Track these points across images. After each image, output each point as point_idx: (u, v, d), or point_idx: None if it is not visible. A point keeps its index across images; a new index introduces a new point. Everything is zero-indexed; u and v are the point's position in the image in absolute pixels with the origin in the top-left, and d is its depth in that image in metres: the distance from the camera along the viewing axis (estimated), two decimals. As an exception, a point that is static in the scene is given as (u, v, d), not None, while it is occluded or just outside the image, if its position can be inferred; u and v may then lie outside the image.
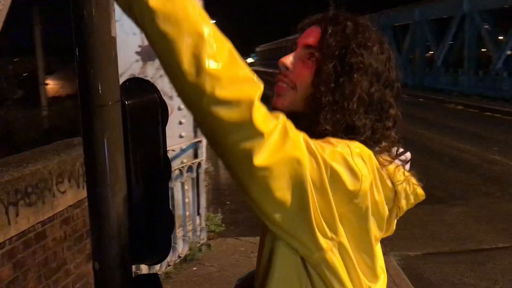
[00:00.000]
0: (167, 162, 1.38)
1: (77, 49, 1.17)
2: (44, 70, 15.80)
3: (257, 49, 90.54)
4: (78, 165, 2.75)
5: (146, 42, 4.79)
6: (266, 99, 0.95)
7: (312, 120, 1.03)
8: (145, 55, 4.56)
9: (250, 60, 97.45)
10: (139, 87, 1.46)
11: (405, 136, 1.15)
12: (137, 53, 4.58)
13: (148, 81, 1.50)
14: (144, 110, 1.37)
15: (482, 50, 23.40)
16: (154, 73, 4.55)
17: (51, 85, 26.03)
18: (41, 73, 15.28)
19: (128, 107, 1.30)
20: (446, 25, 23.82)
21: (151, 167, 1.33)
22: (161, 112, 1.39)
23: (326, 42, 1.07)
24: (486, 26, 21.09)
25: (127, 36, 4.31)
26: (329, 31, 1.08)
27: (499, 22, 21.66)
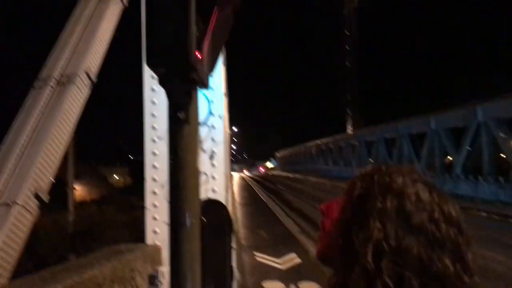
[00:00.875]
0: (232, 270, 1.65)
1: (170, 185, 1.55)
2: (74, 174, 16.32)
3: (277, 154, 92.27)
4: (127, 271, 2.99)
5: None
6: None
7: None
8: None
9: (270, 165, 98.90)
10: (211, 205, 1.80)
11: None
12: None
13: (217, 200, 1.86)
14: (215, 226, 1.67)
15: (502, 155, 23.65)
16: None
17: (78, 190, 26.61)
18: (70, 178, 15.78)
19: (204, 224, 1.61)
20: (462, 133, 24.41)
21: (220, 273, 1.60)
22: (228, 227, 1.70)
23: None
24: (502, 134, 21.57)
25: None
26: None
27: (514, 130, 22.18)
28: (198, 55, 1.57)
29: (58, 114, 4.56)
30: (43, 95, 4.76)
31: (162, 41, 1.59)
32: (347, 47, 58.59)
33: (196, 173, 1.84)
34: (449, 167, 27.02)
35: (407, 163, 30.76)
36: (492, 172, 22.29)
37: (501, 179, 21.50)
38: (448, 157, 26.82)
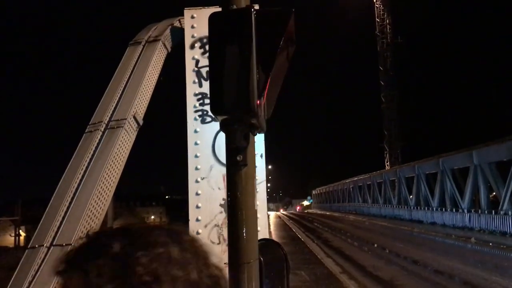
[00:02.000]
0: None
1: (229, 226, 1.62)
2: (113, 216, 16.81)
3: (314, 192, 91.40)
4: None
5: (228, 196, 5.33)
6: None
7: None
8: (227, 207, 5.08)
9: (306, 203, 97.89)
10: (267, 245, 1.85)
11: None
12: (221, 205, 5.08)
13: (274, 241, 1.92)
14: (273, 266, 1.71)
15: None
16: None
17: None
18: (110, 219, 16.22)
19: (264, 263, 1.65)
20: (508, 167, 23.56)
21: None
22: (286, 266, 1.73)
23: None
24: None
25: (213, 191, 4.87)
26: None
27: None
28: (258, 102, 1.66)
29: (108, 157, 4.78)
30: (94, 139, 5.01)
31: (226, 88, 1.70)
32: (381, 82, 58.43)
33: (254, 213, 1.90)
34: (495, 203, 25.97)
35: (450, 199, 29.83)
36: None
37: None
38: (493, 193, 25.79)
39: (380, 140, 58.91)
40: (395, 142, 57.19)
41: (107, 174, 4.35)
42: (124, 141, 4.63)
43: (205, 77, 5.73)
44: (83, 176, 4.41)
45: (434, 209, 32.35)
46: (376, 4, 59.89)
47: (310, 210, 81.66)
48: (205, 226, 4.91)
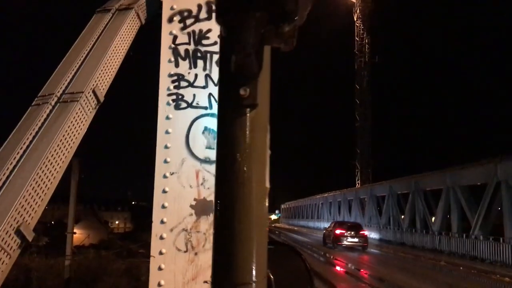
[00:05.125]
0: None
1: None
2: (74, 219, 15.87)
3: (282, 206, 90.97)
4: None
5: (202, 195, 4.44)
6: None
7: None
8: (199, 209, 4.20)
9: (274, 217, 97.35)
10: (280, 254, 1.08)
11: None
12: (191, 206, 4.21)
13: (290, 246, 1.14)
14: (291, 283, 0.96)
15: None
16: (208, 228, 4.13)
17: (77, 234, 26.02)
18: (70, 222, 15.27)
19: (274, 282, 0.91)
20: (481, 191, 23.43)
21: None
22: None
23: None
24: (524, 195, 20.59)
25: (183, 189, 4.01)
26: None
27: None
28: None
29: (54, 136, 3.83)
30: (41, 114, 4.05)
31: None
32: (357, 100, 58.55)
33: (264, 195, 1.10)
34: (467, 227, 25.77)
35: (421, 221, 29.59)
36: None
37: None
38: (466, 217, 25.59)
39: (352, 158, 58.93)
40: (367, 160, 57.26)
41: (52, 155, 3.44)
42: (79, 118, 3.73)
43: (183, 55, 4.91)
44: (21, 157, 3.47)
45: (404, 229, 32.09)
46: (356, 23, 60.36)
47: (277, 224, 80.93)
48: (171, 230, 4.03)
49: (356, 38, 60.21)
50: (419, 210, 30.13)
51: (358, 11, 59.73)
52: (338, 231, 27.44)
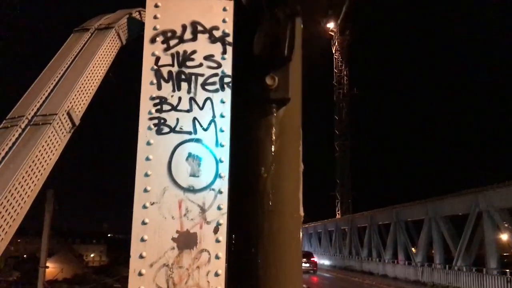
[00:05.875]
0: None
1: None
2: (46, 252, 15.22)
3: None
4: None
5: (185, 227, 4.10)
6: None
7: None
8: (182, 243, 3.86)
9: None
10: None
11: None
12: (173, 239, 3.86)
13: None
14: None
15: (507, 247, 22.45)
16: (191, 263, 3.79)
17: (50, 268, 25.03)
18: (43, 256, 14.58)
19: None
20: (463, 221, 23.37)
21: None
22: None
23: None
24: (506, 224, 20.54)
25: (164, 220, 3.68)
26: None
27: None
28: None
29: (23, 161, 3.45)
30: (9, 137, 3.66)
31: None
32: (336, 131, 58.87)
33: (298, 221, 0.78)
34: (449, 258, 25.58)
35: (403, 251, 29.32)
36: (497, 266, 20.92)
37: (508, 272, 20.12)
38: (448, 247, 25.43)
39: (332, 189, 58.78)
40: (347, 191, 57.17)
41: (19, 183, 3.06)
42: (51, 142, 3.38)
43: (166, 78, 4.62)
44: (-16, 185, 3.09)
45: (386, 261, 31.74)
46: (335, 55, 61.35)
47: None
48: (151, 266, 3.64)
49: (335, 70, 61.09)
50: (401, 241, 29.89)
51: (336, 43, 60.85)
52: None
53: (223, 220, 3.57)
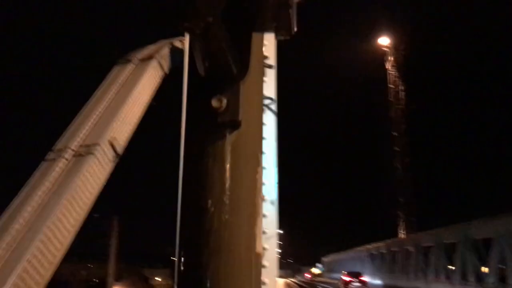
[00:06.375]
0: None
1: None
2: (114, 276, 15.77)
3: (324, 259, 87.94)
4: None
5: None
6: None
7: None
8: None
9: (316, 270, 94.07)
10: None
11: None
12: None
13: None
14: None
15: None
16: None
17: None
18: (110, 280, 15.15)
19: None
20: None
21: None
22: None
23: None
24: None
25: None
26: None
27: None
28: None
29: (68, 191, 3.53)
30: (53, 168, 3.77)
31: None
32: (396, 148, 57.20)
33: (258, 259, 0.69)
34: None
35: (471, 271, 27.62)
36: None
37: None
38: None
39: (393, 207, 56.82)
40: (411, 210, 55.05)
41: (65, 212, 3.13)
42: (94, 172, 3.45)
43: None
44: (33, 214, 3.19)
45: (457, 282, 30.02)
46: (389, 70, 60.05)
47: (321, 279, 77.89)
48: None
49: (391, 85, 59.68)
50: (470, 260, 28.19)
51: (391, 58, 59.59)
52: (345, 278, 39.97)
53: (268, 245, 3.46)
